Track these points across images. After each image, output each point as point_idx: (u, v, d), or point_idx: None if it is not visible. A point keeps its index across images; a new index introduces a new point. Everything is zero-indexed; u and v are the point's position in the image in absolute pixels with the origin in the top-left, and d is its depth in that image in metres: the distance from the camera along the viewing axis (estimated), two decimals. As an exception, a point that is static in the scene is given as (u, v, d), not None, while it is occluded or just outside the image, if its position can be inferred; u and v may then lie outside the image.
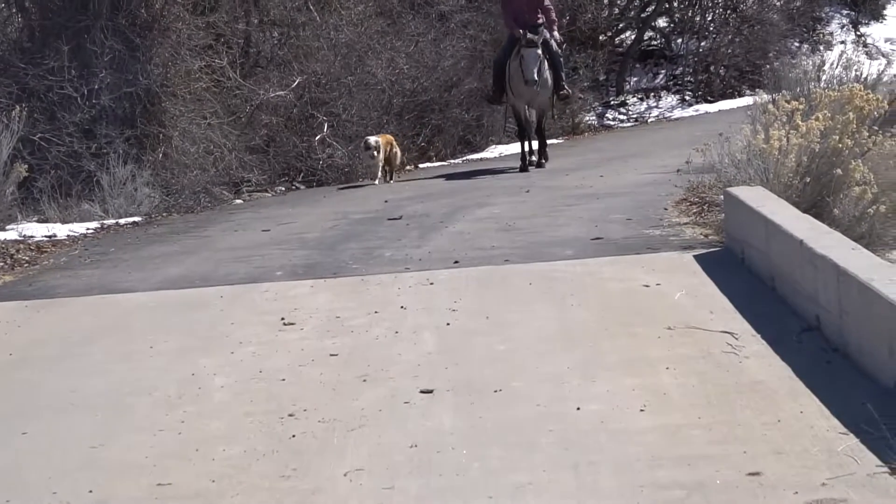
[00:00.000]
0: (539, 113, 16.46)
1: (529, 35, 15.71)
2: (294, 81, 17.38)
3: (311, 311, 7.95)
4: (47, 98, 14.80)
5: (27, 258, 10.97)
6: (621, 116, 23.51)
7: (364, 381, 6.42)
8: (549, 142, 18.82)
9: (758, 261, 7.88)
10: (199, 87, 16.15)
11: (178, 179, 14.90)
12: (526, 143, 16.34)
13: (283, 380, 6.54)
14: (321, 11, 19.19)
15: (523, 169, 15.90)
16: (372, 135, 16.20)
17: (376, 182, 15.84)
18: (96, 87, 14.86)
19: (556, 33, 16.61)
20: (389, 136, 16.39)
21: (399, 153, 16.63)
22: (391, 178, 16.19)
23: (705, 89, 24.33)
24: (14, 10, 16.99)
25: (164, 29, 15.66)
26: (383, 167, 16.07)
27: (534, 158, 16.38)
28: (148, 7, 15.50)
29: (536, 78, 15.53)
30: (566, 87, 16.82)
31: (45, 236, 12.12)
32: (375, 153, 15.80)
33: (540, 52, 15.69)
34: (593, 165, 15.57)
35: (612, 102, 23.89)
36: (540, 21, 16.13)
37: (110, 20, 15.16)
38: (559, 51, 16.81)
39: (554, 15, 16.72)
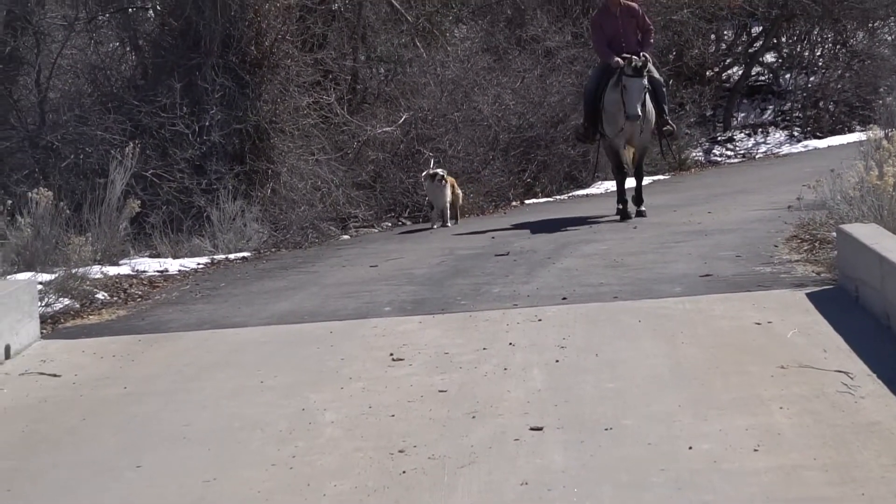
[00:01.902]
0: (640, 152, 14.73)
1: (635, 60, 13.93)
2: (401, 117, 17.50)
3: (419, 347, 7.96)
4: (159, 135, 15.03)
5: (140, 293, 11.13)
6: (728, 152, 23.37)
7: (473, 417, 6.41)
8: (656, 178, 18.76)
9: (872, 299, 7.76)
10: (308, 124, 16.29)
11: (287, 215, 15.02)
12: (624, 186, 14.49)
13: (393, 416, 6.55)
14: (427, 48, 19.34)
15: (624, 216, 14.18)
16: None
17: (435, 227, 15.13)
18: (207, 123, 15.08)
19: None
20: (451, 178, 15.57)
21: (461, 195, 15.82)
22: (449, 222, 15.28)
23: (814, 125, 24.12)
24: (128, 49, 17.29)
25: (274, 66, 15.84)
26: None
27: (634, 207, 14.43)
28: (258, 45, 15.68)
29: (640, 113, 13.75)
30: (670, 121, 15.15)
31: (157, 271, 12.28)
32: (443, 182, 15.05)
33: (646, 82, 13.90)
34: (701, 202, 15.45)
35: (719, 138, 23.77)
36: (638, 43, 14.49)
37: (221, 58, 15.38)
38: (661, 79, 15.16)
39: (652, 35, 15.00)
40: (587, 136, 15.11)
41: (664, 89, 14.96)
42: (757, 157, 22.96)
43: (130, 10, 17.09)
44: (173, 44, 15.83)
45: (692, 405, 6.30)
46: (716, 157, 23.02)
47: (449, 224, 15.21)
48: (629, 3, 14.68)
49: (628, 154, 14.63)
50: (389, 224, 16.37)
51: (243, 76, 15.47)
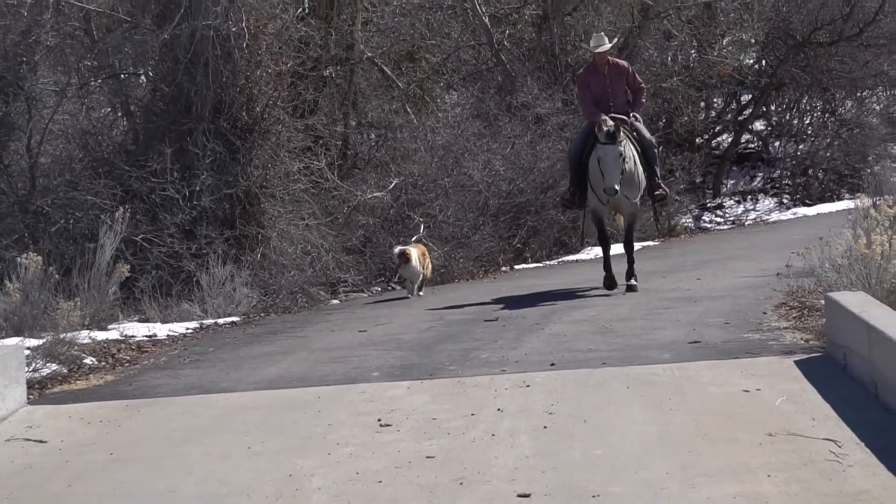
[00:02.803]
0: (629, 219, 13.78)
1: (608, 124, 12.98)
2: (391, 183, 17.56)
3: (407, 413, 7.94)
4: (150, 199, 15.06)
5: (128, 357, 11.09)
6: (718, 219, 23.47)
7: (461, 484, 6.38)
8: (646, 244, 18.71)
9: (860, 367, 7.76)
10: (298, 189, 16.35)
11: (276, 279, 15.02)
12: (609, 254, 13.72)
13: (380, 482, 6.52)
14: (418, 114, 19.48)
15: (609, 286, 13.42)
16: (405, 245, 15.12)
17: (411, 297, 14.75)
18: (197, 188, 15.10)
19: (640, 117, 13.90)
20: (423, 247, 15.28)
21: (430, 265, 15.44)
22: (421, 291, 14.99)
23: (803, 192, 24.26)
24: (120, 114, 17.35)
25: (265, 131, 15.90)
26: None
27: (625, 281, 13.54)
28: (249, 110, 15.75)
29: (617, 187, 12.83)
30: (663, 185, 14.12)
31: (146, 336, 12.25)
32: (411, 261, 14.56)
33: (622, 149, 12.96)
34: (690, 268, 15.50)
35: (708, 205, 23.90)
36: (628, 103, 13.73)
37: (212, 123, 15.44)
38: (652, 139, 14.10)
39: (644, 94, 14.12)
40: (573, 202, 14.17)
41: (655, 151, 14.05)
42: (746, 223, 23.07)
43: (122, 75, 17.15)
44: (165, 109, 15.89)
45: (680, 472, 6.28)
46: (705, 224, 23.12)
47: (419, 294, 14.86)
48: (618, 60, 14.25)
49: (619, 220, 14.11)
50: (379, 289, 16.38)
51: (234, 141, 15.53)
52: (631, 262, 13.62)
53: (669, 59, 22.86)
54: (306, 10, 17.76)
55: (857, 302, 8.21)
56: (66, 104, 16.81)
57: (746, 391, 7.82)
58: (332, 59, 18.55)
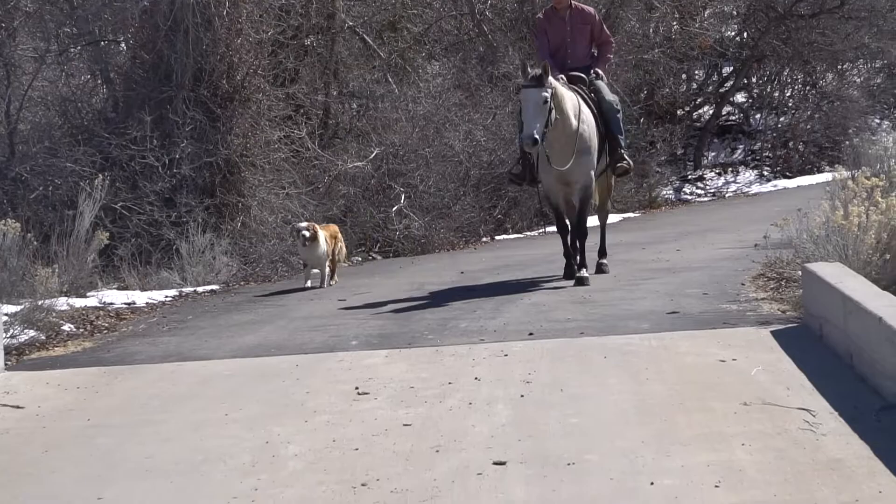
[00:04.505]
0: (580, 195, 11.64)
1: (533, 70, 11.07)
2: (372, 153, 17.53)
3: (385, 381, 7.95)
4: (129, 167, 15.02)
5: (106, 325, 11.09)
6: (699, 191, 23.53)
7: (437, 451, 6.40)
8: (626, 215, 18.66)
9: (836, 338, 7.79)
10: (279, 158, 16.31)
11: (256, 248, 15.00)
12: (568, 240, 11.90)
13: (357, 449, 6.53)
14: (400, 84, 19.40)
15: (569, 276, 11.77)
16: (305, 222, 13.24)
17: (308, 284, 12.89)
18: (177, 156, 15.06)
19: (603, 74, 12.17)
20: (335, 227, 13.61)
21: (344, 248, 13.75)
22: (332, 279, 13.17)
23: (784, 165, 24.32)
24: (99, 82, 17.28)
25: (245, 100, 15.85)
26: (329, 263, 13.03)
27: (597, 258, 12.29)
28: (229, 79, 15.69)
29: (537, 135, 10.75)
30: (626, 156, 12.15)
31: (125, 303, 12.24)
32: (310, 242, 12.64)
33: (547, 94, 10.88)
34: (670, 239, 15.54)
35: (689, 177, 23.94)
36: (591, 56, 12.21)
37: (192, 91, 15.39)
38: (614, 100, 12.09)
39: (611, 49, 12.48)
40: (522, 177, 12.16)
41: (618, 115, 12.04)
42: (727, 196, 23.13)
43: (102, 43, 17.06)
44: (145, 77, 15.83)
45: (655, 441, 6.31)
46: (686, 196, 23.17)
47: (331, 283, 13.03)
48: (583, 6, 12.42)
49: (567, 197, 11.84)
50: (360, 259, 16.36)
51: (214, 109, 15.48)
52: (602, 238, 12.56)
53: (651, 30, 22.80)
54: (288, -22, 17.66)
55: (834, 273, 8.24)
56: (45, 71, 16.74)
57: (723, 361, 7.85)
58: (314, 28, 18.47)
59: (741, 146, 25.10)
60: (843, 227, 9.23)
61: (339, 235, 13.47)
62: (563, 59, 11.99)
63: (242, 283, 14.07)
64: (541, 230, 18.61)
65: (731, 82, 25.28)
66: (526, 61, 11.63)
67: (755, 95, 25.95)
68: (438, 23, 22.04)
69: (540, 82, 10.91)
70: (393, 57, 20.41)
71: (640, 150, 21.94)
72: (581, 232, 11.75)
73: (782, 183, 23.34)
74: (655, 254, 13.88)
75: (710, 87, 25.64)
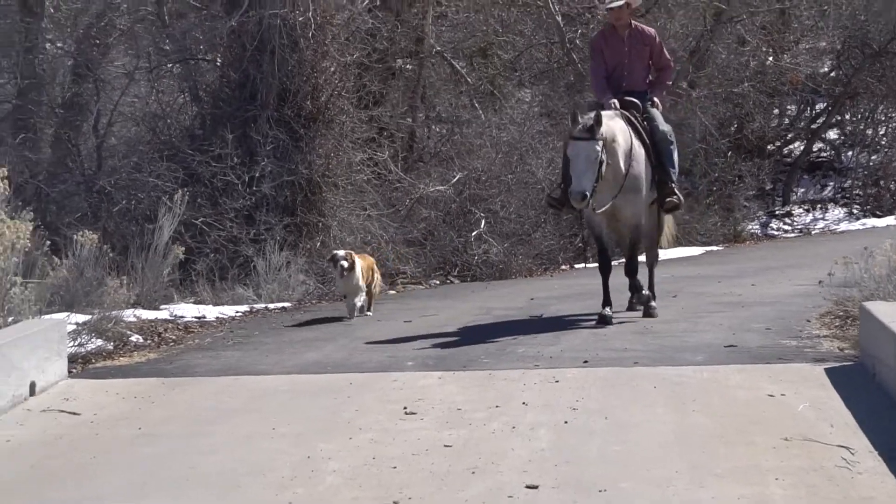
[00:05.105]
0: (632, 235, 11.29)
1: (584, 120, 10.45)
2: (455, 177, 17.62)
3: (434, 402, 8.02)
4: (211, 184, 15.24)
5: (174, 337, 11.28)
6: (786, 227, 23.32)
7: (473, 472, 6.45)
8: (709, 249, 18.49)
9: (888, 377, 7.73)
10: (360, 179, 16.46)
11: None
12: (608, 282, 11.29)
13: (395, 467, 6.60)
14: (486, 110, 19.50)
15: (602, 321, 10.98)
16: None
17: (352, 316, 12.29)
18: (258, 174, 15.26)
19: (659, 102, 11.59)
20: (371, 260, 13.10)
21: (380, 281, 13.30)
22: (369, 309, 12.65)
23: (874, 203, 24.03)
24: (189, 100, 17.60)
25: (329, 121, 16.03)
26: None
27: (642, 300, 11.54)
28: (313, 99, 15.88)
29: (587, 192, 10.32)
30: (677, 191, 11.47)
31: (195, 317, 12.43)
32: (348, 272, 12.11)
33: (599, 147, 10.32)
34: (749, 274, 15.45)
35: (777, 212, 23.73)
36: (647, 81, 11.60)
37: (276, 111, 15.61)
38: (668, 131, 11.42)
39: (671, 75, 12.01)
40: (562, 202, 11.41)
41: (671, 147, 11.39)
42: (814, 232, 22.90)
43: (192, 61, 17.35)
44: (232, 95, 16.08)
45: (690, 472, 6.31)
46: (773, 231, 22.99)
47: (368, 313, 12.58)
48: (644, 26, 11.92)
49: (614, 233, 11.56)
50: (437, 282, 16.44)
51: (297, 129, 15.68)
52: (651, 277, 11.92)
53: (743, 62, 22.68)
54: (376, 2, 17.84)
55: (889, 312, 8.18)
56: (135, 87, 17.07)
57: (771, 396, 7.82)
58: (401, 52, 18.65)
59: (831, 183, 24.83)
60: (904, 266, 9.17)
61: (376, 268, 12.99)
62: (619, 81, 11.42)
63: (315, 301, 14.19)
64: (621, 260, 18.54)
65: (823, 119, 25.04)
66: (577, 111, 10.92)
67: (847, 133, 25.68)
68: (529, 50, 22.12)
69: (592, 134, 10.39)
70: (483, 83, 20.53)
71: (726, 183, 21.85)
72: (630, 268, 11.39)
73: (871, 221, 23.06)
74: (729, 287, 13.81)
75: (802, 123, 25.42)
